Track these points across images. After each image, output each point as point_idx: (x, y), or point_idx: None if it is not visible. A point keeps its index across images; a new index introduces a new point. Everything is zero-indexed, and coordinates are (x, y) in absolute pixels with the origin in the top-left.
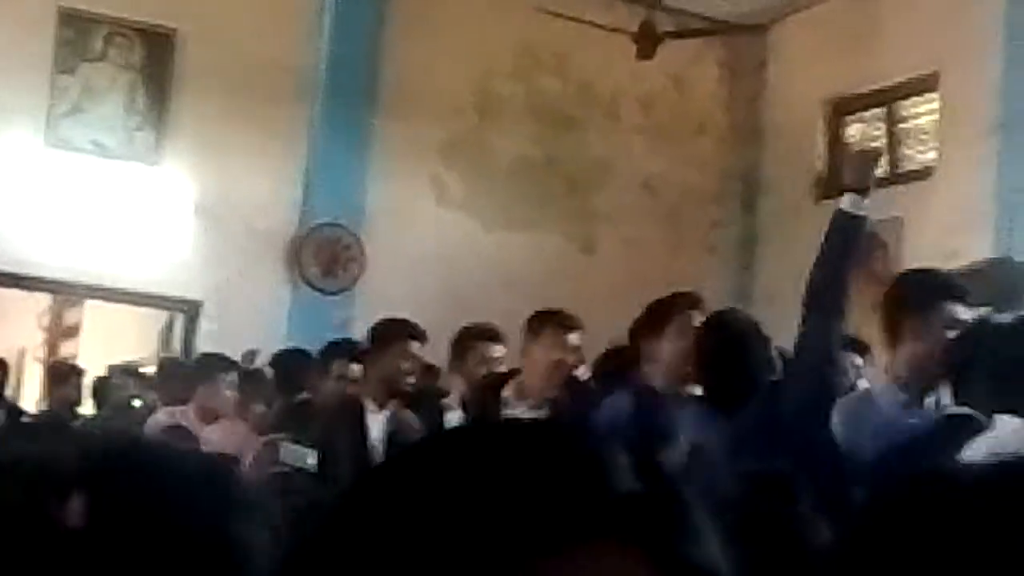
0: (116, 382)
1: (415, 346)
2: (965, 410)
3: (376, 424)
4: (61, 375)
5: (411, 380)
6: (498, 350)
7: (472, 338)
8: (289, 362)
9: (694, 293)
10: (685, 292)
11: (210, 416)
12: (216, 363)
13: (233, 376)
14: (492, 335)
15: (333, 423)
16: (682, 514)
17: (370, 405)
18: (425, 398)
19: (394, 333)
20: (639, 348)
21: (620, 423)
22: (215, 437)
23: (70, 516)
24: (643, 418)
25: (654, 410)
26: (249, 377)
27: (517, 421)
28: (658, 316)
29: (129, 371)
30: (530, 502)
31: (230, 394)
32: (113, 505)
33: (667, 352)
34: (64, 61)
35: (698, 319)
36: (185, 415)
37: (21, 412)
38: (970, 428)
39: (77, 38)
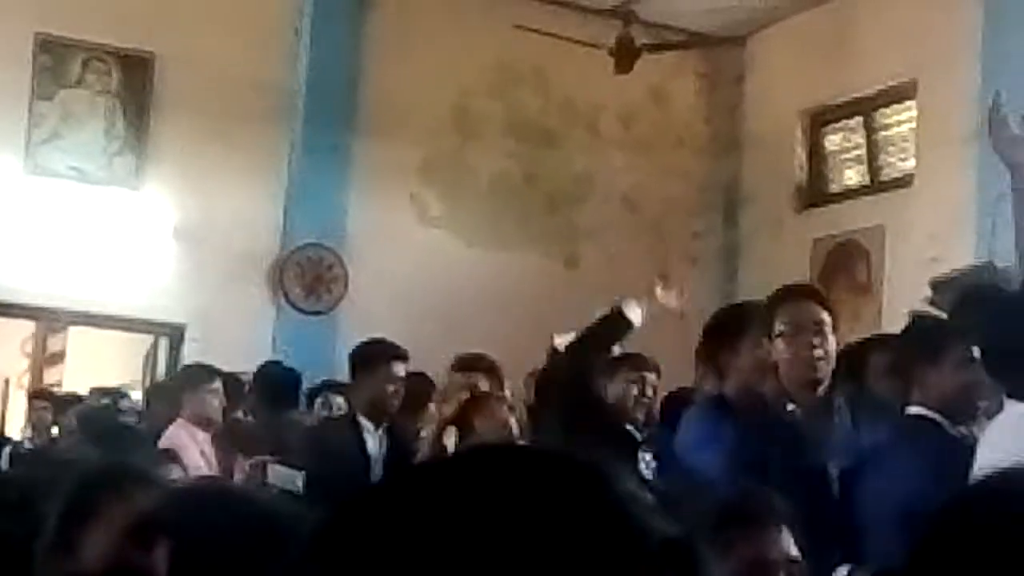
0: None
1: (399, 367)
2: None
3: (371, 442)
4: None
5: (396, 401)
6: (402, 368)
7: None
8: (273, 377)
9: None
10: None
11: (204, 424)
12: (200, 373)
13: (218, 384)
14: (399, 355)
15: (326, 439)
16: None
17: (364, 423)
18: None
19: (377, 355)
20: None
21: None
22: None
23: (156, 564)
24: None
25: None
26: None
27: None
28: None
29: (109, 394)
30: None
31: (217, 403)
32: (195, 552)
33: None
34: (42, 88)
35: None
36: (176, 434)
37: (5, 440)
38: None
39: (55, 64)
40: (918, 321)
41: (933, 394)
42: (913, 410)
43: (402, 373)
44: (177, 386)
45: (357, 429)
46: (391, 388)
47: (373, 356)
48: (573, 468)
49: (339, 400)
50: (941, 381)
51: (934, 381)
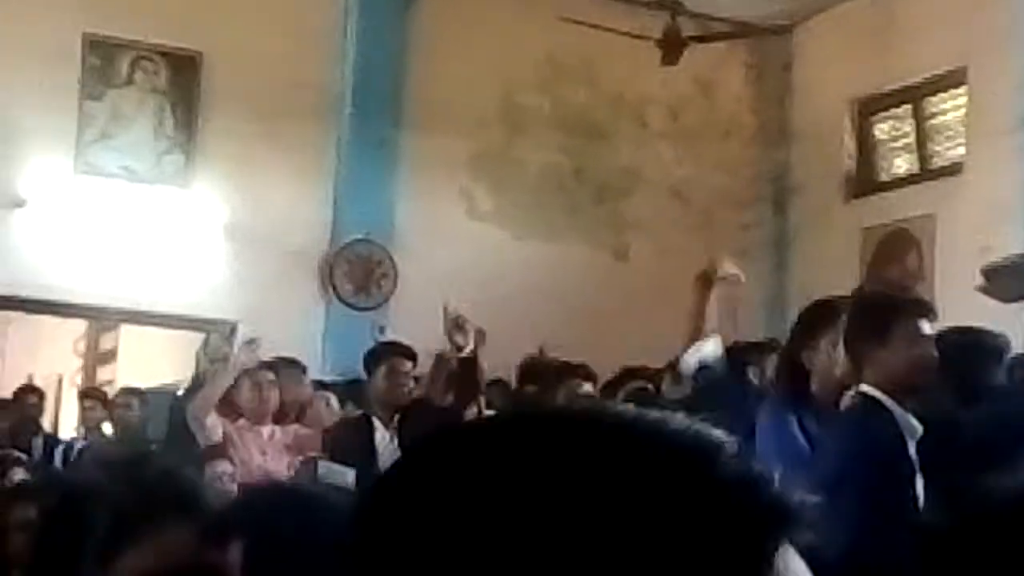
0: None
1: (403, 363)
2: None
3: (383, 441)
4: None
5: (401, 395)
6: (407, 364)
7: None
8: None
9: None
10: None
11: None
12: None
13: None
14: (402, 352)
15: (340, 438)
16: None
17: (375, 421)
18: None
19: (381, 354)
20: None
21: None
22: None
23: (230, 564)
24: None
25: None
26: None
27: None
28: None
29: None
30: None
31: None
32: (270, 551)
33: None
34: (91, 87)
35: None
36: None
37: (57, 441)
38: None
39: (103, 64)
40: (864, 299)
41: (882, 373)
42: (863, 388)
43: (406, 368)
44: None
45: (369, 427)
46: (395, 383)
47: (378, 355)
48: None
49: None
50: (890, 359)
51: (883, 359)
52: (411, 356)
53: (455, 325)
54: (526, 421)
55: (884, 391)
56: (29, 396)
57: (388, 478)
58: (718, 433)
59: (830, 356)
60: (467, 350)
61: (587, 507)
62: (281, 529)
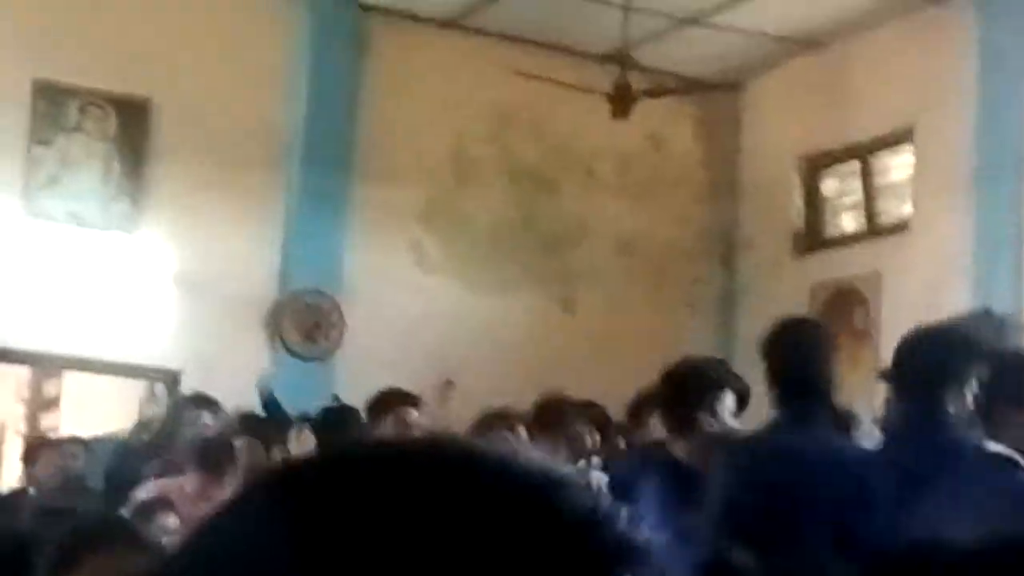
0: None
1: (412, 413)
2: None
3: None
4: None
5: None
6: (414, 413)
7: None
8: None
9: None
10: None
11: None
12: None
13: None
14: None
15: None
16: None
17: None
18: None
19: (389, 402)
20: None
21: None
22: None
23: None
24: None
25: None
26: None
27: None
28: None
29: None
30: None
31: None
32: None
33: None
34: (40, 132)
35: None
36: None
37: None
38: None
39: (53, 109)
40: (1006, 359)
41: (1014, 433)
42: (992, 448)
43: (412, 418)
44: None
45: None
46: (403, 433)
47: (384, 403)
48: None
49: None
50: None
51: (1018, 421)
52: (416, 404)
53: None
54: (369, 455)
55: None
56: None
57: (223, 519)
58: (568, 470)
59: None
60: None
61: (424, 541)
62: None
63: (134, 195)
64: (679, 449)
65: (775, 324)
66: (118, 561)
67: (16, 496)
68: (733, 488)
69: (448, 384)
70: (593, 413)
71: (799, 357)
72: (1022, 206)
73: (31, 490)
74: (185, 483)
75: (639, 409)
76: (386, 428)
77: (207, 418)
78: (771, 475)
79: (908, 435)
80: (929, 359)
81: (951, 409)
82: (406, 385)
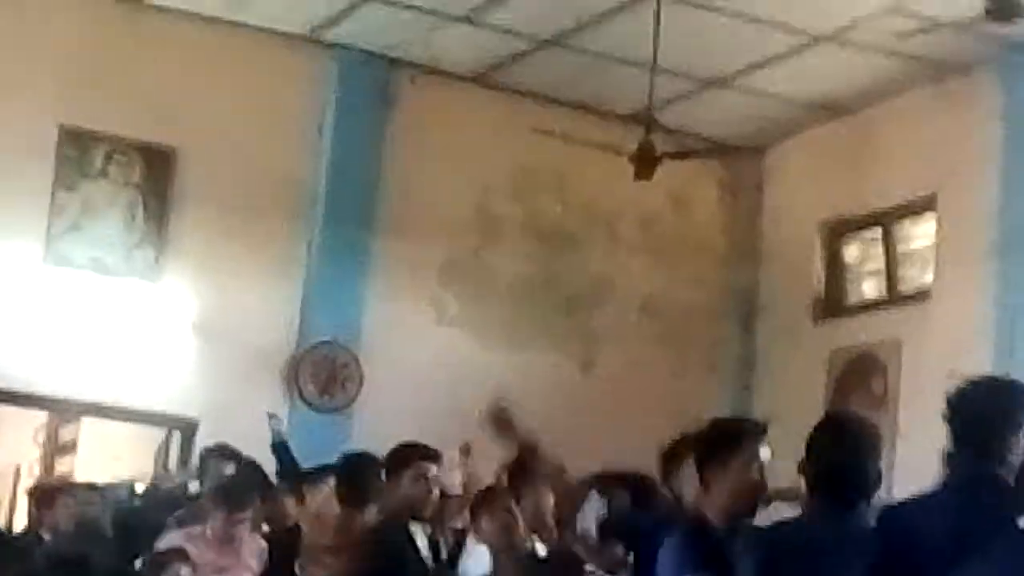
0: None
1: (432, 469)
2: None
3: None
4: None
5: (432, 501)
6: (434, 469)
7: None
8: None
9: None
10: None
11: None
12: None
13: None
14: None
15: (380, 539)
16: None
17: (415, 528)
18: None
19: (408, 456)
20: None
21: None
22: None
23: None
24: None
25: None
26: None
27: None
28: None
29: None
30: None
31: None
32: None
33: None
34: (65, 178)
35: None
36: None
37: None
38: None
39: (78, 156)
40: None
41: None
42: None
43: (432, 473)
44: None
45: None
46: (423, 487)
47: (404, 457)
48: None
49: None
50: None
51: None
52: (437, 459)
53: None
54: None
55: None
56: None
57: None
58: None
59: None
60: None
61: None
62: None
63: (156, 243)
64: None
65: (822, 420)
66: None
67: (30, 540)
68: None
69: (465, 449)
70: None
71: (843, 453)
72: None
73: (46, 535)
74: (207, 528)
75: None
76: (405, 483)
77: (230, 470)
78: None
79: (958, 494)
80: (986, 407)
81: (1009, 457)
82: (420, 440)
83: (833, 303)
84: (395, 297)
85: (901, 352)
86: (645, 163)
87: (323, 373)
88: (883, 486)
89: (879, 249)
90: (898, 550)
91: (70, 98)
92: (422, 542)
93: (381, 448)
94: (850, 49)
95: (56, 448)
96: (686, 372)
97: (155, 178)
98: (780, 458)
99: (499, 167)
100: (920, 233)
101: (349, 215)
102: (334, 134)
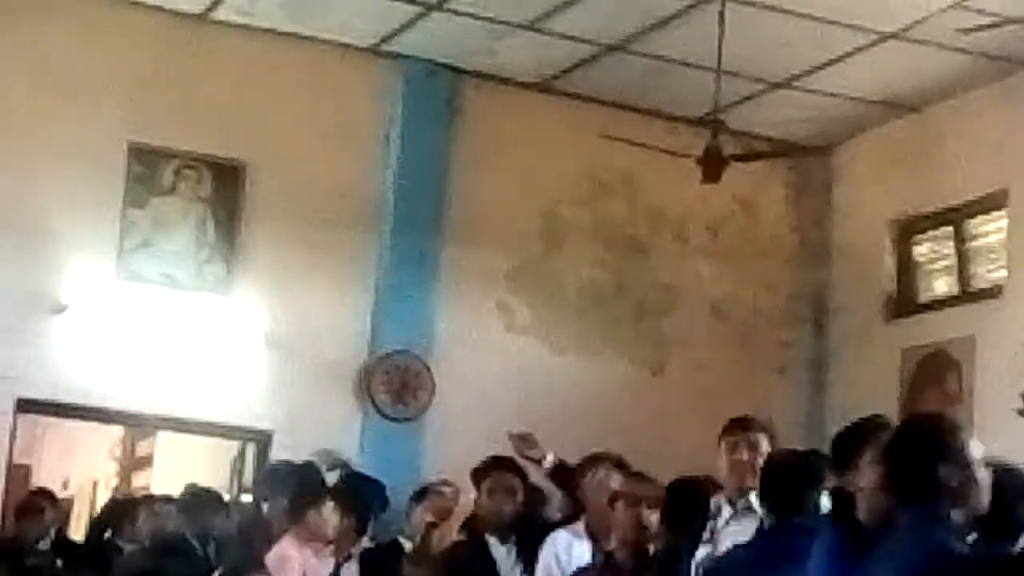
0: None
1: (512, 479)
2: None
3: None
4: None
5: (511, 510)
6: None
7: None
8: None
9: None
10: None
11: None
12: (321, 490)
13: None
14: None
15: (458, 554)
16: None
17: (492, 540)
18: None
19: (487, 470)
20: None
21: None
22: None
23: None
24: None
25: None
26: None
27: None
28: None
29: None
30: None
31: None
32: None
33: None
34: (135, 195)
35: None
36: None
37: (73, 545)
38: None
39: (147, 172)
40: None
41: None
42: None
43: (511, 484)
44: (302, 501)
45: (484, 546)
46: (502, 499)
47: (483, 470)
48: None
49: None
50: None
51: None
52: (516, 469)
53: (524, 443)
54: None
55: None
56: (39, 500)
57: None
58: None
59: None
60: (548, 460)
61: None
62: None
63: (227, 257)
64: None
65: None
66: None
67: (107, 551)
68: None
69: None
70: None
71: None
72: None
73: (125, 547)
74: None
75: None
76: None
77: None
78: None
79: None
80: None
81: None
82: (492, 447)
83: (905, 301)
84: (465, 305)
85: (975, 349)
86: (712, 166)
87: (395, 382)
88: None
89: (950, 246)
90: None
91: (137, 115)
92: (498, 552)
93: (453, 454)
94: (915, 46)
95: (132, 463)
96: (757, 374)
97: (224, 193)
98: None
99: (566, 174)
100: (991, 229)
101: (417, 225)
102: (401, 144)
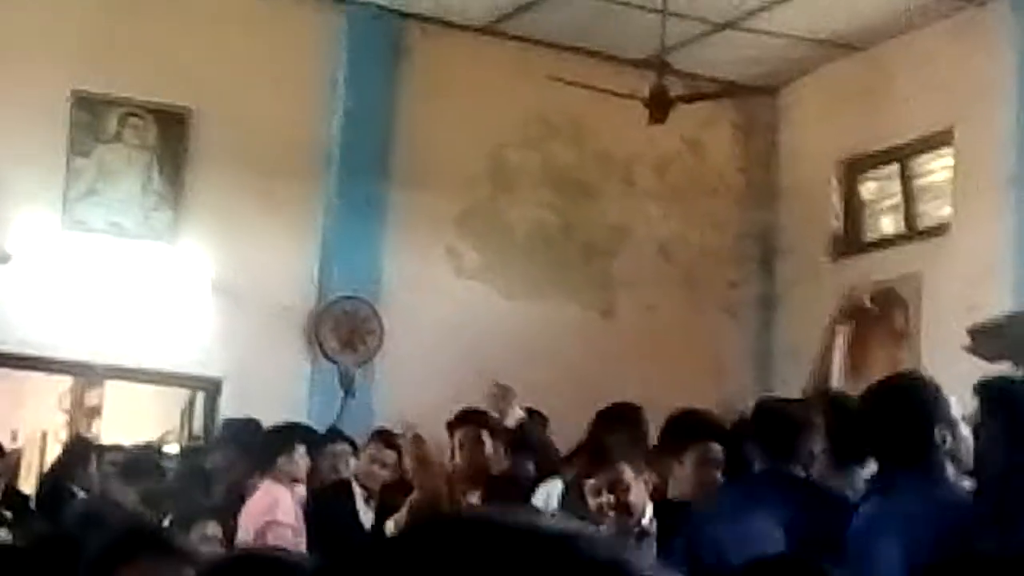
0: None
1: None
2: None
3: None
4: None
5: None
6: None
7: None
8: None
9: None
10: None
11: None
12: (291, 435)
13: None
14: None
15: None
16: None
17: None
18: None
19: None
20: None
21: None
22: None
23: None
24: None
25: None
26: None
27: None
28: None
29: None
30: None
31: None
32: None
33: None
34: (79, 143)
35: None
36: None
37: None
38: None
39: (92, 120)
40: None
41: None
42: None
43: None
44: (273, 447)
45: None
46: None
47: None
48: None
49: (389, 453)
50: None
51: None
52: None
53: (500, 394)
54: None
55: None
56: None
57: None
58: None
59: None
60: (515, 417)
61: None
62: None
63: (173, 205)
64: None
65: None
66: (151, 570)
67: (61, 496)
68: None
69: (504, 390)
70: None
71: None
72: None
73: (79, 492)
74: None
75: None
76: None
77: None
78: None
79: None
80: None
81: None
82: (442, 392)
83: (852, 240)
84: (413, 250)
85: (921, 286)
86: (659, 107)
87: (344, 328)
88: None
89: (896, 185)
90: None
91: (80, 63)
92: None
93: (403, 399)
94: None
95: (82, 413)
96: (705, 315)
97: (169, 140)
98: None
99: (513, 116)
100: (937, 167)
101: (364, 169)
102: (347, 89)
